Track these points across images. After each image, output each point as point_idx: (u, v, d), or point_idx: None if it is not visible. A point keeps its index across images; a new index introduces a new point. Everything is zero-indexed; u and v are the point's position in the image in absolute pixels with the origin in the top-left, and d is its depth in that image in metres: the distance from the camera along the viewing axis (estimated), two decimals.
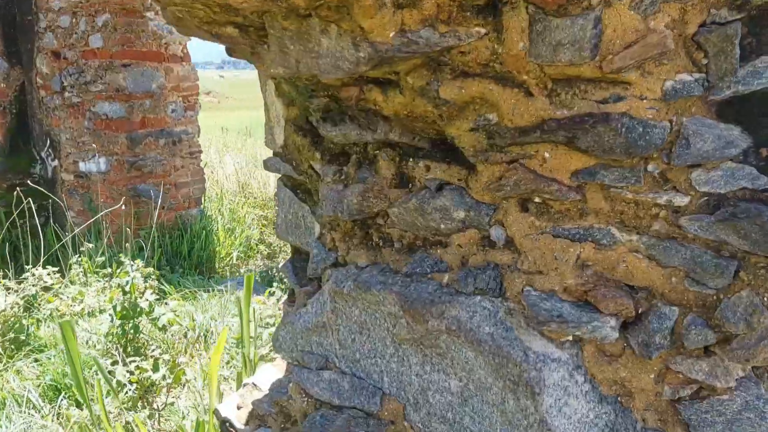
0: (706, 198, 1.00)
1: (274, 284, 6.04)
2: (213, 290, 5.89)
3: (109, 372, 2.89)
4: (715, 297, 1.02)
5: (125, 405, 2.81)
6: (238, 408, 1.60)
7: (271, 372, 1.69)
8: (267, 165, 1.60)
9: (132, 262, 3.77)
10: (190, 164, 5.90)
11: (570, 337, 1.12)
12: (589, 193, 1.08)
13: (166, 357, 3.91)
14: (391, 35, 0.99)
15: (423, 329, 1.22)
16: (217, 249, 7.54)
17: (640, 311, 1.08)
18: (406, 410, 1.34)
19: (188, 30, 1.26)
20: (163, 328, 3.85)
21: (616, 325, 1.08)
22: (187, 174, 5.89)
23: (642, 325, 1.07)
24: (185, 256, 6.47)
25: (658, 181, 1.02)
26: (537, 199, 1.13)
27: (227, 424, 1.58)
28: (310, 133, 1.47)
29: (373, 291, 1.28)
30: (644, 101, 0.98)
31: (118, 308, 3.37)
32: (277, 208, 1.67)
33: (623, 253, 1.07)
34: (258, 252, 8.40)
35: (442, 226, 1.23)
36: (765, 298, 0.97)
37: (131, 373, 2.85)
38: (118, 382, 2.81)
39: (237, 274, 7.46)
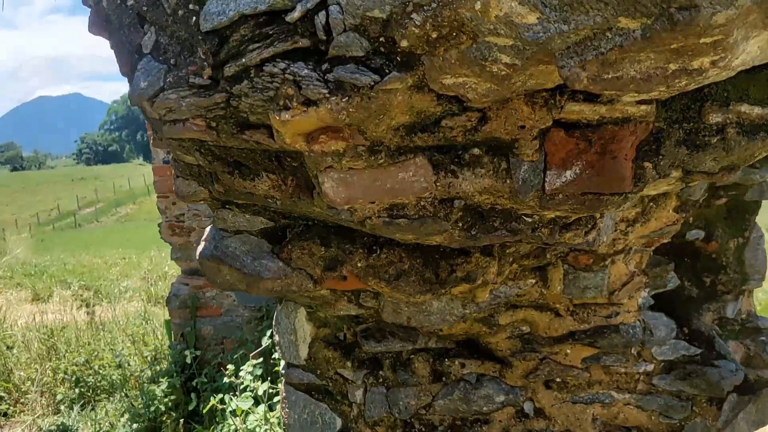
0: (663, 363, 1.63)
1: None
2: None
3: None
4: (679, 424, 1.63)
5: None
6: None
7: None
8: (290, 377, 1.82)
9: None
10: None
11: None
12: (594, 370, 1.62)
13: None
14: (486, 296, 1.42)
15: None
16: None
17: None
18: None
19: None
20: None
21: None
22: None
23: None
24: None
25: (636, 357, 1.61)
26: (558, 379, 1.63)
27: None
28: (339, 346, 1.76)
29: None
30: (630, 313, 1.57)
31: None
32: (287, 410, 1.87)
33: (620, 407, 1.63)
34: None
35: (485, 408, 1.65)
36: (709, 420, 1.62)
37: None
38: None
39: None
